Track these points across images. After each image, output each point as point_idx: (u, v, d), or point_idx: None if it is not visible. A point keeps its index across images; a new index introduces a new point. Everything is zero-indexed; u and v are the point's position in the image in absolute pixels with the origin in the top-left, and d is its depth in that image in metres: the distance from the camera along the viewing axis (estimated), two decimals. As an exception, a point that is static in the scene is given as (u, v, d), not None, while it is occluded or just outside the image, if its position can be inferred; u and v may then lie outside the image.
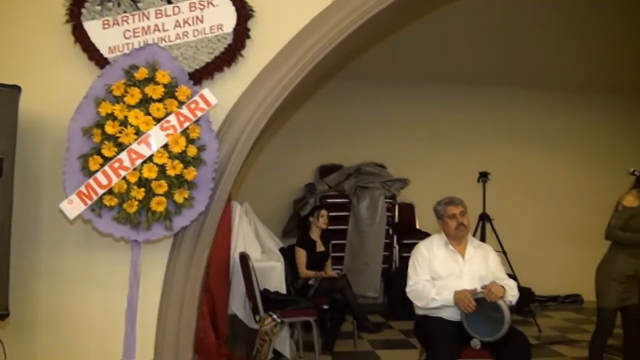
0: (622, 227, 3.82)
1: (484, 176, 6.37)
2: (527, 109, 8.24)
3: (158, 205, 2.93)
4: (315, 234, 5.51)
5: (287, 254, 5.51)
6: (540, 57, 7.12)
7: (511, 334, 3.31)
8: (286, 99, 3.47)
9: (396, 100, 7.95)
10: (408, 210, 7.51)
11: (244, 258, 4.69)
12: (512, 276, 6.30)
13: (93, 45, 3.21)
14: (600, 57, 7.08)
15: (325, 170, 7.62)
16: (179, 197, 2.95)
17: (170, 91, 2.97)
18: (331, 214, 6.84)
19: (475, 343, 3.32)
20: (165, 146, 2.92)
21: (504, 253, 6.22)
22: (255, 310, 4.68)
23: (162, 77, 2.97)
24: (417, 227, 7.38)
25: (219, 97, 3.10)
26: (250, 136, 3.43)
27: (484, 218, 6.36)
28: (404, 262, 5.90)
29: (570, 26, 6.43)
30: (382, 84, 7.87)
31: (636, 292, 3.84)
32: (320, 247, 5.50)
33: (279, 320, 4.47)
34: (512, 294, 3.46)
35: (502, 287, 3.41)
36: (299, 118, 7.57)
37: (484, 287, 3.39)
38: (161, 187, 2.91)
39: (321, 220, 5.48)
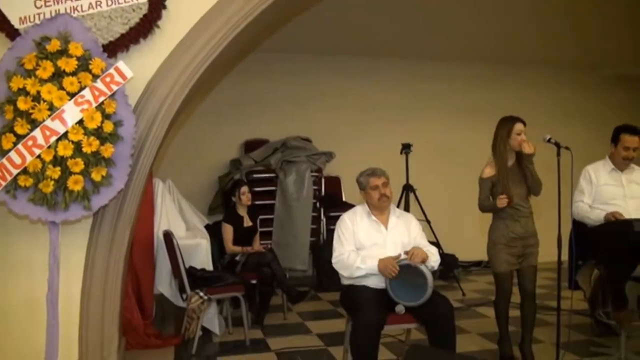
0: (489, 196, 4.01)
1: (406, 148, 6.53)
2: (447, 82, 8.49)
3: (75, 184, 2.87)
4: (241, 210, 5.51)
5: (214, 231, 5.49)
6: (459, 31, 7.31)
7: (434, 298, 3.44)
8: (206, 71, 3.44)
9: (321, 74, 8.00)
10: (334, 183, 7.62)
11: (168, 236, 4.65)
12: (436, 244, 6.60)
13: (3, 15, 3.08)
14: (518, 30, 7.33)
15: (250, 145, 7.60)
16: (96, 175, 2.90)
17: (83, 64, 2.90)
18: (258, 189, 6.92)
19: (400, 309, 3.45)
20: (80, 122, 2.85)
21: (428, 222, 6.44)
22: (181, 289, 4.67)
23: (75, 49, 2.88)
24: (344, 199, 7.50)
25: (135, 70, 3.04)
26: (170, 110, 3.39)
27: (408, 189, 6.54)
28: (332, 234, 6.00)
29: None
30: (307, 58, 7.90)
31: (531, 254, 4.01)
32: (247, 223, 5.51)
33: (205, 297, 4.48)
34: (433, 259, 3.62)
35: (425, 252, 3.54)
36: (223, 92, 7.51)
37: (407, 252, 3.52)
38: (77, 165, 2.85)
39: (244, 198, 5.46)
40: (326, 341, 4.72)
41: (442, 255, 6.97)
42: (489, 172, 4.00)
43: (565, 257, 4.21)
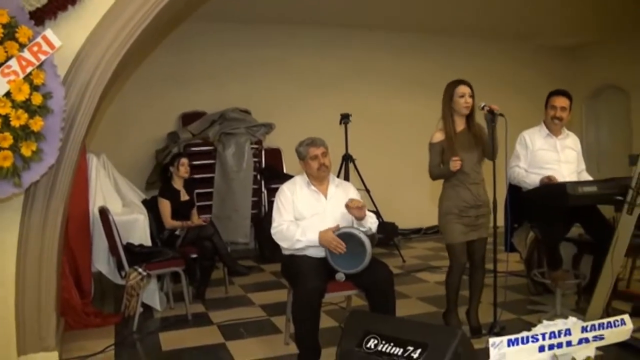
0: (440, 162, 3.99)
1: (345, 118, 6.58)
2: (386, 52, 8.57)
3: (4, 160, 2.79)
4: (178, 183, 5.42)
5: (151, 206, 5.41)
6: (395, 1, 7.35)
7: (373, 265, 3.51)
8: (138, 40, 3.36)
9: (259, 44, 7.93)
10: (275, 154, 7.62)
11: (104, 212, 4.56)
12: (376, 212, 6.71)
13: None
14: (456, 0, 7.42)
15: (188, 118, 7.49)
16: (26, 150, 2.82)
17: (9, 32, 2.78)
18: (196, 162, 6.84)
19: (340, 276, 3.52)
20: (8, 94, 2.76)
21: (367, 191, 6.54)
22: (119, 266, 4.60)
23: (0, 16, 2.76)
24: (285, 171, 7.53)
25: (64, 39, 2.95)
26: (100, 81, 3.31)
27: (347, 159, 6.61)
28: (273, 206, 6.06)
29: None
30: (244, 28, 7.81)
31: (483, 225, 4.05)
32: (184, 196, 5.44)
33: (144, 273, 4.43)
34: (371, 221, 3.69)
35: (363, 203, 3.62)
36: (158, 63, 7.35)
37: (348, 204, 3.58)
38: (6, 140, 2.76)
39: (182, 169, 5.37)
40: (269, 312, 4.77)
41: (382, 224, 7.23)
42: (439, 137, 3.98)
43: (501, 221, 4.36)
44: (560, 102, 4.43)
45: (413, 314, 4.56)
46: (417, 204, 8.19)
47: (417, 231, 8.41)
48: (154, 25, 3.44)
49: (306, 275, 3.38)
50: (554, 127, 4.47)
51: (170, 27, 7.12)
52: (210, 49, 7.71)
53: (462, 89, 3.95)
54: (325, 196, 3.74)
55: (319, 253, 3.58)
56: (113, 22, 3.26)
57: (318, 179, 3.75)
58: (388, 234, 7.29)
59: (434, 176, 4.04)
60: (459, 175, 3.92)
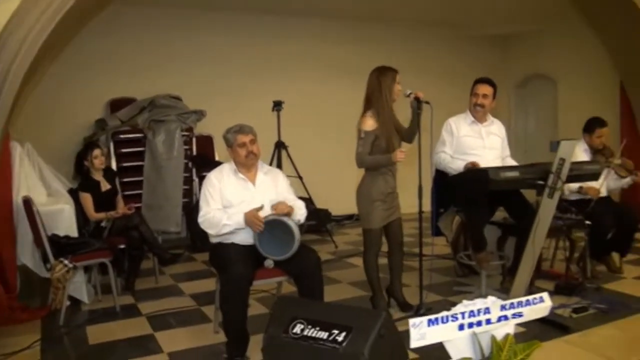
0: (370, 151, 4.05)
1: (277, 105, 6.56)
2: (318, 39, 8.56)
3: None
4: (97, 174, 5.20)
5: (77, 196, 5.24)
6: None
7: (302, 251, 3.53)
8: (64, 21, 3.23)
9: (191, 29, 7.78)
10: (206, 142, 7.51)
11: (28, 203, 4.39)
12: (308, 200, 6.76)
13: None
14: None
15: (116, 104, 7.28)
16: None
17: None
18: (125, 150, 6.70)
19: (269, 263, 3.52)
20: None
21: (300, 178, 6.57)
22: (45, 258, 4.45)
23: None
24: (217, 158, 7.43)
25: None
26: (24, 63, 3.17)
27: (280, 146, 6.60)
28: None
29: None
30: (176, 12, 7.66)
31: (397, 208, 4.23)
32: (105, 186, 5.23)
33: (70, 265, 4.31)
34: (300, 213, 3.69)
35: (290, 206, 3.62)
36: (84, 47, 7.12)
37: (273, 207, 3.57)
38: None
39: (96, 162, 5.14)
40: (199, 301, 4.73)
41: (316, 210, 7.29)
42: (372, 124, 4.01)
43: (427, 207, 4.45)
44: (482, 89, 4.56)
45: (343, 299, 4.62)
46: (349, 190, 8.14)
47: (350, 217, 8.50)
48: (80, 6, 3.32)
49: (233, 262, 3.36)
50: (477, 114, 4.59)
51: (99, 8, 6.88)
52: (140, 33, 7.51)
53: (398, 77, 4.04)
54: (254, 183, 3.72)
55: (248, 240, 3.57)
56: (37, 1, 3.12)
57: (246, 166, 3.72)
58: (321, 221, 7.33)
59: (365, 164, 4.09)
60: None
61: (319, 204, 7.30)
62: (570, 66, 9.25)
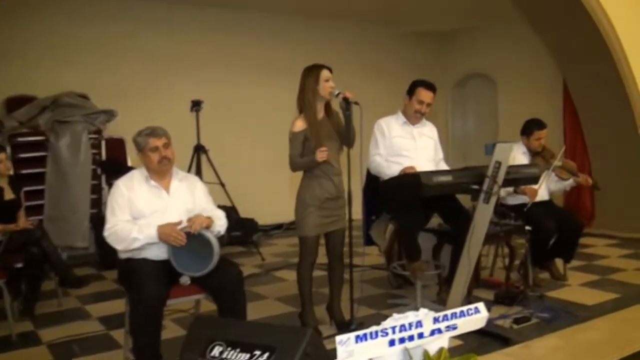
0: (302, 153, 4.07)
1: (197, 105, 6.50)
2: (244, 34, 8.57)
3: None
4: (1, 181, 5.06)
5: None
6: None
7: (222, 265, 3.50)
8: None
9: (100, 19, 7.60)
10: (117, 145, 7.33)
11: None
12: (231, 208, 6.73)
13: None
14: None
15: (13, 103, 7.01)
16: None
17: None
18: (25, 155, 6.49)
19: (185, 280, 3.48)
20: None
21: (222, 185, 6.52)
22: None
23: None
24: (129, 164, 7.29)
25: None
26: None
27: (199, 150, 6.54)
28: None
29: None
30: (82, 0, 7.46)
31: (341, 217, 4.21)
32: (9, 195, 5.04)
33: (-47, 288, 4.12)
34: (220, 224, 3.67)
35: (209, 218, 3.58)
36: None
37: (189, 220, 3.53)
38: None
39: (1, 167, 4.98)
40: (109, 325, 4.60)
41: (240, 220, 7.25)
42: (300, 125, 4.05)
43: (358, 214, 4.50)
44: (429, 97, 4.68)
45: (270, 316, 4.61)
46: (278, 197, 8.25)
47: (279, 227, 8.52)
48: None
49: (145, 280, 3.29)
50: (415, 119, 4.74)
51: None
52: (41, 23, 7.25)
53: (327, 73, 4.08)
54: (168, 192, 3.67)
55: (161, 255, 3.51)
56: None
57: (159, 172, 3.67)
58: (246, 231, 7.32)
59: (295, 167, 4.13)
60: (321, 165, 4.05)
61: (244, 213, 7.27)
62: (510, 65, 9.60)
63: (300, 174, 4.20)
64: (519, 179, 4.45)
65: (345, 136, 4.06)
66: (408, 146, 4.67)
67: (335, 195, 4.13)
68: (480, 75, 10.36)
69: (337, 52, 8.85)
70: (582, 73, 7.53)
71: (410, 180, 4.20)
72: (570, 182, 5.46)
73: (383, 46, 9.82)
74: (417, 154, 4.66)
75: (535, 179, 4.62)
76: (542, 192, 5.28)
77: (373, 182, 4.75)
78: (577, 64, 7.51)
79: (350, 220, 4.07)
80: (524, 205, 5.11)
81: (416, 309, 2.70)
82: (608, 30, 6.47)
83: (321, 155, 3.93)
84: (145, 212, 3.56)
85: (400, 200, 4.35)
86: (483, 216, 4.13)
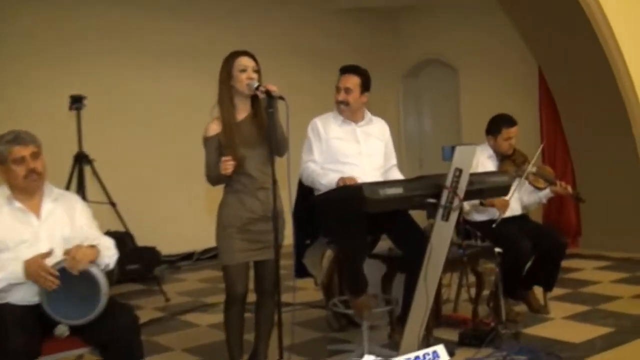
0: (218, 161, 4.01)
1: (77, 101, 6.37)
2: (142, 11, 8.42)
3: None
4: None
5: None
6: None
7: (112, 309, 3.45)
8: None
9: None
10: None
11: None
12: (125, 234, 6.63)
13: None
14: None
15: None
16: None
17: None
18: None
19: (62, 330, 3.39)
20: None
21: (112, 204, 6.42)
22: None
23: None
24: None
25: None
26: None
27: (81, 159, 6.41)
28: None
29: None
30: None
31: (272, 243, 4.06)
32: None
33: None
34: (108, 255, 3.62)
35: (93, 247, 3.53)
36: None
37: (66, 253, 3.45)
38: None
39: None
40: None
41: (137, 249, 7.15)
42: (215, 128, 4.06)
43: (289, 239, 4.48)
44: (345, 81, 4.74)
45: (175, 373, 4.58)
46: (188, 219, 8.21)
47: (189, 256, 8.45)
48: None
49: (9, 331, 3.21)
50: (343, 113, 4.78)
51: None
52: None
53: (244, 62, 4.05)
54: (38, 216, 3.60)
55: (30, 298, 3.43)
56: None
57: (26, 191, 3.59)
58: (145, 264, 7.25)
59: (212, 181, 4.14)
60: (242, 178, 4.06)
61: (143, 240, 7.19)
62: (473, 49, 9.77)
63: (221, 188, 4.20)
64: (485, 189, 4.50)
65: (270, 142, 4.02)
66: (349, 150, 4.72)
67: (262, 215, 4.10)
68: (437, 62, 10.53)
69: (266, 34, 8.89)
70: (562, 59, 7.73)
71: (351, 193, 4.21)
72: (546, 193, 5.56)
73: (314, 25, 9.87)
74: (361, 160, 4.71)
75: (505, 189, 4.70)
76: (514, 204, 5.38)
77: (305, 197, 4.76)
78: (556, 47, 7.69)
79: (277, 246, 4.04)
80: (492, 221, 5.20)
81: (362, 355, 2.72)
82: (593, 7, 6.46)
83: (225, 166, 3.93)
84: (7, 242, 3.48)
85: (340, 219, 4.35)
86: (442, 237, 4.18)
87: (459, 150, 4.10)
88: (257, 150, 4.09)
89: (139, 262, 7.11)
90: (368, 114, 4.91)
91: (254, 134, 4.10)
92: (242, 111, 4.12)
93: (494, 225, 5.15)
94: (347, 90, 4.71)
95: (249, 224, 4.09)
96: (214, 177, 4.10)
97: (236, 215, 4.08)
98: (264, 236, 4.10)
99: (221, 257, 4.17)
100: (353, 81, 4.73)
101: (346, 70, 4.78)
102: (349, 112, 4.77)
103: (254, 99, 4.13)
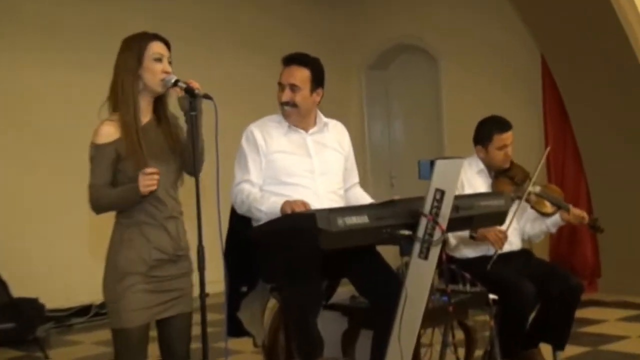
0: (113, 181, 3.92)
1: None
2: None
3: None
4: None
5: None
6: None
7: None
8: None
9: None
10: None
11: None
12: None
13: None
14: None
15: None
16: None
17: None
18: None
19: None
20: None
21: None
22: None
23: None
24: None
25: None
26: None
27: None
28: None
29: None
30: None
31: (184, 292, 4.08)
32: None
33: None
34: None
35: None
36: None
37: None
38: None
39: None
40: None
41: (13, 302, 7.08)
42: (110, 132, 3.90)
43: (219, 287, 4.46)
44: (290, 75, 4.73)
45: None
46: (82, 261, 8.12)
47: (83, 311, 8.38)
48: None
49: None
50: (288, 117, 4.78)
51: None
52: None
53: (159, 49, 3.98)
54: None
55: None
56: None
57: None
58: (24, 322, 7.17)
59: (100, 206, 3.98)
60: (147, 205, 3.91)
61: (20, 290, 7.13)
62: (460, 33, 9.84)
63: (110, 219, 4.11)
64: (474, 216, 4.57)
65: (189, 155, 3.97)
66: (298, 167, 4.72)
67: (173, 254, 4.02)
68: (412, 49, 10.60)
69: (190, 17, 8.92)
70: (571, 45, 7.81)
71: (300, 224, 4.21)
72: (555, 220, 5.62)
73: (264, 8, 9.90)
74: (313, 179, 4.71)
75: (501, 216, 4.76)
76: (513, 237, 5.44)
77: (241, 230, 4.74)
78: (564, 31, 7.77)
79: (203, 294, 4.02)
80: (486, 259, 5.25)
81: None
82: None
83: (147, 182, 3.76)
84: None
85: (286, 258, 4.36)
86: (420, 280, 4.22)
87: (440, 165, 4.14)
88: (167, 165, 3.98)
89: (15, 320, 7.04)
90: (322, 118, 4.92)
91: (161, 144, 4.02)
92: (145, 113, 4.01)
93: (488, 266, 5.19)
94: (293, 88, 4.69)
95: (155, 269, 3.95)
96: (107, 200, 3.93)
97: (139, 257, 3.91)
98: (174, 283, 4.04)
99: (115, 318, 3.96)
100: (301, 75, 4.71)
101: (291, 60, 4.76)
102: (297, 117, 4.76)
103: (157, 99, 4.06)
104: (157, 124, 4.07)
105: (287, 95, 4.70)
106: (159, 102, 4.09)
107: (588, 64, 7.71)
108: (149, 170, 3.76)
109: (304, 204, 4.40)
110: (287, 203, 4.39)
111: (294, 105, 4.71)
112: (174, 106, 4.10)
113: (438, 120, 10.28)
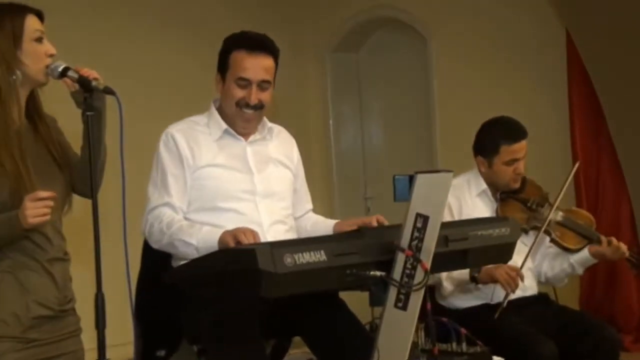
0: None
1: None
2: None
3: None
4: None
5: None
6: None
7: None
8: None
9: None
10: None
11: None
12: None
13: None
14: None
15: None
16: None
17: None
18: None
19: None
20: None
21: None
22: None
23: None
24: None
25: None
26: None
27: None
28: None
29: None
30: None
31: (73, 356, 4.12)
32: None
33: None
34: None
35: None
36: None
37: None
38: None
39: None
40: None
41: None
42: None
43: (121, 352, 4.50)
44: (257, 69, 4.65)
45: None
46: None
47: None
48: None
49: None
50: (246, 123, 4.76)
51: None
52: None
53: (35, 24, 3.95)
54: None
55: None
56: None
57: None
58: None
59: None
60: (25, 242, 3.89)
61: None
62: (458, 5, 9.87)
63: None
64: (469, 250, 4.51)
65: (83, 169, 3.96)
66: (235, 186, 4.69)
67: (58, 310, 4.03)
68: (394, 23, 10.62)
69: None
70: (605, 18, 7.86)
71: (238, 263, 4.12)
72: (583, 257, 5.61)
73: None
74: (254, 202, 4.71)
75: (505, 250, 4.75)
76: (526, 279, 5.45)
77: (158, 271, 4.73)
78: (595, 5, 7.80)
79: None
80: (490, 308, 5.29)
81: None
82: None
83: (39, 211, 3.66)
84: None
85: (217, 311, 4.36)
86: (397, 338, 4.22)
87: (421, 180, 4.01)
88: (53, 186, 3.90)
89: None
90: (266, 122, 4.90)
91: (40, 155, 4.00)
92: (17, 112, 3.93)
93: (495, 316, 5.20)
94: (263, 85, 4.67)
95: (34, 329, 3.93)
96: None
97: (11, 314, 3.87)
98: (63, 346, 4.06)
99: None
100: (271, 67, 4.71)
101: (258, 46, 4.69)
102: (257, 123, 4.80)
103: (31, 94, 4.02)
104: (34, 129, 4.03)
105: (257, 96, 4.64)
106: (31, 99, 4.04)
107: (631, 44, 7.73)
108: (42, 194, 3.66)
109: (254, 234, 4.24)
110: (227, 233, 4.28)
111: (261, 107, 4.71)
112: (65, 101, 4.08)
113: (428, 120, 10.27)
